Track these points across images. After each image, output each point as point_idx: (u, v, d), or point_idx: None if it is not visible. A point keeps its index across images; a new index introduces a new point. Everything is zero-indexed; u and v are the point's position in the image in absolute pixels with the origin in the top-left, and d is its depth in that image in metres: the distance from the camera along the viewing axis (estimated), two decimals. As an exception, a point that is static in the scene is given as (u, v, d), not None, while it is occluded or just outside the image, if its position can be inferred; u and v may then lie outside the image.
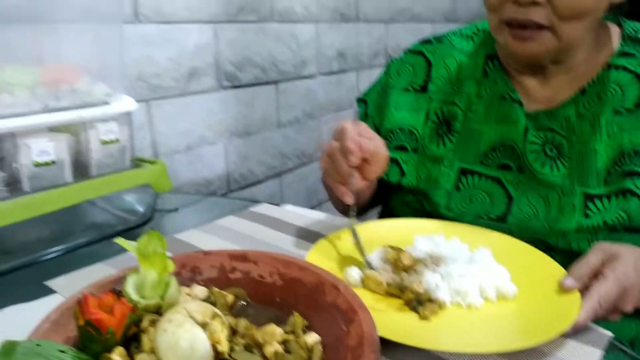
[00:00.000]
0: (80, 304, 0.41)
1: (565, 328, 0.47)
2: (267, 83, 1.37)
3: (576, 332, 0.49)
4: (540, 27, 0.66)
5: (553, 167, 0.72)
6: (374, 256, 0.60)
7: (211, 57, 1.19)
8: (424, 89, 0.83)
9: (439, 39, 0.86)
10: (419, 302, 0.52)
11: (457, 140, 0.79)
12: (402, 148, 0.82)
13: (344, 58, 1.66)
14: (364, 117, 0.89)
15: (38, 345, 0.38)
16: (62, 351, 0.38)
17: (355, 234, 0.62)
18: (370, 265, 0.58)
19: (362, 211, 0.91)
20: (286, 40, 1.41)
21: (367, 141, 0.62)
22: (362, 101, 0.91)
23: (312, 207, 1.66)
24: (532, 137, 0.73)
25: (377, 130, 0.84)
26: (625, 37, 0.74)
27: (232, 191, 1.34)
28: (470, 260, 0.58)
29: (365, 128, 0.65)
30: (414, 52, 0.87)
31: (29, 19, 0.71)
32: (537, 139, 0.73)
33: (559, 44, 0.68)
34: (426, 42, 0.87)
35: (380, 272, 0.56)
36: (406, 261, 0.56)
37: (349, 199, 0.61)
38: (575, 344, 0.48)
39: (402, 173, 0.82)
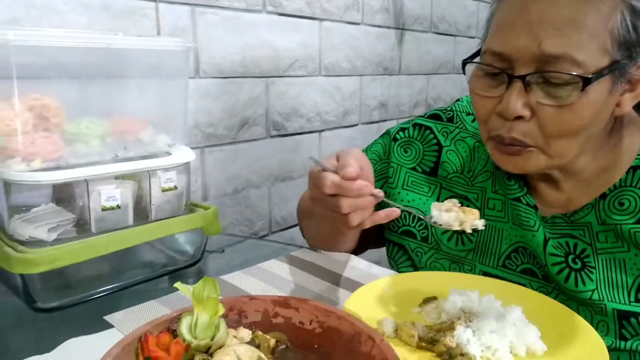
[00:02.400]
0: (141, 342, 0.46)
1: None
2: (311, 132, 1.44)
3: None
4: (527, 146, 0.62)
5: (579, 282, 0.65)
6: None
7: (262, 109, 1.27)
8: (433, 172, 0.78)
9: (450, 117, 0.81)
10: (450, 356, 0.54)
11: (477, 240, 0.74)
12: (409, 234, 0.79)
13: (385, 108, 1.73)
14: None
15: (102, 376, 0.43)
16: (123, 383, 0.43)
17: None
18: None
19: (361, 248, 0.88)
20: (331, 92, 1.48)
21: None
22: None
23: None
24: (552, 248, 0.68)
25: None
26: None
27: (274, 232, 1.40)
28: (502, 317, 0.60)
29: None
30: (422, 126, 0.82)
31: (102, 76, 0.79)
32: (558, 251, 0.67)
33: (550, 161, 0.63)
34: (435, 117, 0.82)
35: (413, 326, 0.59)
36: (449, 343, 0.56)
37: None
38: (604, 407, 0.49)
39: (413, 264, 0.78)
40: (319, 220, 0.80)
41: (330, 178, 0.60)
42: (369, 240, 0.87)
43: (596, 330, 0.60)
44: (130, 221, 0.73)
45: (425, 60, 1.89)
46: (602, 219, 0.66)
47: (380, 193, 0.61)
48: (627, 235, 0.64)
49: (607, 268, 0.65)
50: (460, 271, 0.76)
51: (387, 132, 0.86)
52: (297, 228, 1.47)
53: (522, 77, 0.58)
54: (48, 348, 0.57)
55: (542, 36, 0.56)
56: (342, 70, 1.51)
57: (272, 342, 0.52)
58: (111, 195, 0.69)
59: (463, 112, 0.80)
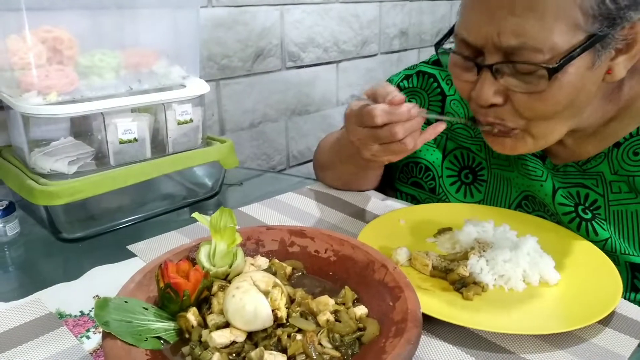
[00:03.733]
0: (161, 269, 0.47)
1: (604, 316, 0.49)
2: (328, 63, 1.41)
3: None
4: (509, 129, 0.59)
5: (590, 231, 0.64)
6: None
7: (277, 39, 1.24)
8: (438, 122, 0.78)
9: None
10: (463, 284, 0.55)
11: (487, 190, 0.74)
12: (417, 185, 0.79)
13: (405, 37, 1.66)
14: None
15: (126, 302, 0.44)
16: (145, 308, 0.45)
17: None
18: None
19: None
20: (349, 20, 1.43)
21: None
22: None
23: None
24: (562, 198, 0.66)
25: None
26: None
27: (292, 167, 1.40)
28: (516, 247, 0.60)
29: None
30: (425, 73, 0.80)
31: (113, 6, 0.77)
32: (568, 200, 0.66)
33: (536, 142, 0.60)
34: (437, 63, 0.80)
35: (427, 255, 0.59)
36: (462, 272, 0.56)
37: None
38: (612, 332, 0.50)
39: None
40: (351, 164, 0.78)
41: (380, 107, 0.58)
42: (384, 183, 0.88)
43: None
44: (148, 154, 0.74)
45: (448, -15, 1.79)
46: (615, 168, 0.63)
47: (424, 111, 0.60)
48: None
49: (619, 220, 0.63)
50: None
51: (390, 81, 0.83)
52: (315, 162, 1.48)
53: (490, 67, 0.54)
54: (75, 276, 0.60)
55: (501, 25, 0.52)
56: (360, -3, 1.44)
57: (289, 269, 0.53)
58: (128, 128, 0.70)
59: None
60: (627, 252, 0.62)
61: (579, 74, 0.53)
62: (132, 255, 0.66)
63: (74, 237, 0.69)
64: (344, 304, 0.47)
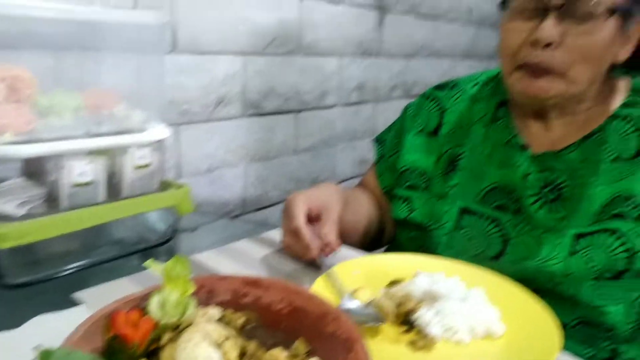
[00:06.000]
0: (110, 319, 0.46)
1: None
2: (288, 112, 1.44)
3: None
4: (550, 71, 0.72)
5: (551, 210, 0.76)
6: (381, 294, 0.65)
7: (239, 87, 1.26)
8: (436, 132, 0.89)
9: (452, 85, 0.92)
10: (410, 324, 0.57)
11: (460, 179, 0.84)
12: (413, 187, 0.88)
13: (363, 90, 1.73)
14: (380, 156, 0.95)
15: (69, 354, 0.43)
16: (91, 360, 0.44)
17: (333, 278, 0.67)
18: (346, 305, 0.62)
19: (374, 245, 0.96)
20: (310, 72, 1.48)
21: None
22: (379, 141, 0.97)
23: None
24: (532, 180, 0.78)
25: (392, 168, 0.89)
26: (634, 89, 0.79)
27: (248, 212, 1.40)
28: (464, 299, 0.62)
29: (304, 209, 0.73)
30: (428, 97, 0.92)
31: (77, 47, 0.78)
32: (537, 182, 0.77)
33: (566, 88, 0.73)
34: (440, 88, 0.93)
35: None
36: (411, 305, 0.60)
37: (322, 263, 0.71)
38: (555, 386, 0.52)
39: (412, 210, 0.87)
40: None
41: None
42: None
43: (554, 249, 0.73)
44: (102, 198, 0.72)
45: (405, 43, 1.89)
46: (585, 155, 0.76)
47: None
48: (603, 171, 0.74)
49: (579, 198, 0.74)
50: (442, 205, 0.84)
51: (405, 107, 0.96)
52: (271, 209, 1.48)
53: (557, 8, 0.69)
54: (16, 324, 0.57)
55: None
56: (322, 50, 1.50)
57: (242, 320, 0.53)
58: (83, 171, 0.69)
59: (465, 82, 0.92)
60: (576, 225, 0.73)
61: (612, 33, 0.70)
62: (78, 303, 0.63)
63: (17, 283, 0.66)
64: (296, 357, 0.47)
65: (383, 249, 0.99)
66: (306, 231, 0.71)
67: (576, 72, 0.72)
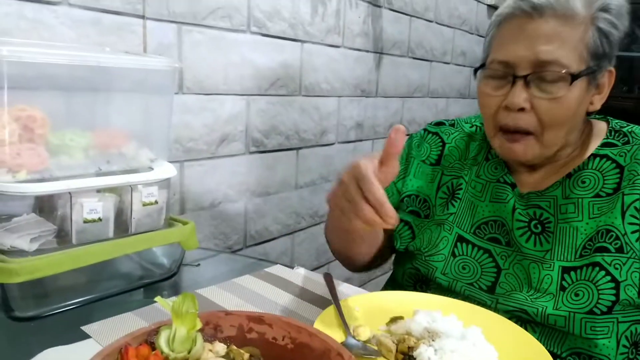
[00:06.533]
0: (121, 353, 0.48)
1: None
2: (289, 149, 1.48)
3: None
4: (526, 132, 0.77)
5: (537, 243, 0.80)
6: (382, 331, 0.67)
7: (242, 125, 1.30)
8: (438, 162, 0.94)
9: (452, 124, 0.98)
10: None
11: (458, 207, 0.88)
12: (415, 213, 0.92)
13: (361, 129, 1.78)
14: None
15: (83, 385, 0.44)
16: (102, 393, 0.45)
17: (340, 314, 0.68)
18: (351, 344, 0.63)
19: (374, 264, 0.97)
20: (310, 112, 1.52)
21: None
22: None
23: (321, 265, 1.72)
24: (519, 215, 0.82)
25: (398, 193, 0.94)
26: (611, 130, 0.84)
27: (249, 246, 1.42)
28: (463, 337, 0.64)
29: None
30: (430, 132, 0.99)
31: (88, 88, 0.81)
32: (524, 217, 0.82)
33: (542, 150, 0.78)
34: (440, 124, 0.99)
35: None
36: (411, 342, 0.62)
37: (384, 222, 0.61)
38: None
39: (413, 236, 0.91)
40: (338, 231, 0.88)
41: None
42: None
43: (542, 282, 0.77)
44: (111, 234, 0.75)
45: (401, 84, 1.95)
46: (567, 193, 0.81)
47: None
48: (585, 207, 0.78)
49: (563, 233, 0.79)
50: (440, 231, 0.87)
51: (409, 137, 1.01)
52: (271, 243, 1.51)
53: (524, 77, 0.75)
54: (24, 357, 0.58)
55: (537, 47, 0.74)
56: (321, 91, 1.55)
57: (246, 356, 0.54)
58: (93, 208, 0.71)
59: (462, 122, 0.98)
60: (562, 259, 0.77)
61: (581, 92, 0.75)
62: (86, 336, 0.65)
63: (26, 316, 0.68)
64: (300, 392, 0.48)
65: (379, 285, 1.01)
66: (377, 183, 0.61)
67: (550, 136, 0.77)
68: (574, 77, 0.73)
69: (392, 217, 0.60)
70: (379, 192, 0.59)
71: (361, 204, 0.60)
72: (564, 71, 0.73)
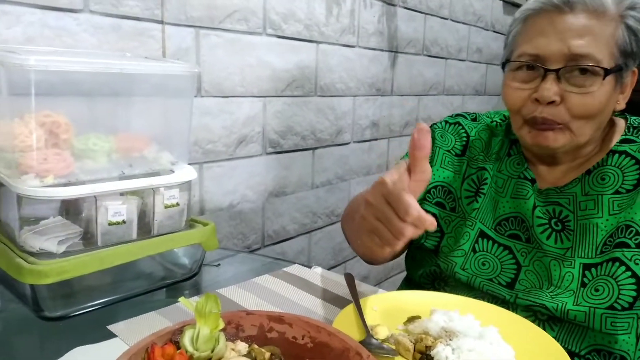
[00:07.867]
0: (147, 352, 0.50)
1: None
2: (305, 149, 1.49)
3: None
4: (555, 124, 0.77)
5: (557, 240, 0.80)
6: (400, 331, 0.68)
7: (259, 127, 1.32)
8: (463, 153, 0.93)
9: (473, 117, 0.97)
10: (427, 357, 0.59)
11: (482, 203, 0.88)
12: (440, 205, 0.92)
13: (376, 127, 1.78)
14: None
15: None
16: (130, 390, 0.47)
17: (360, 313, 0.69)
18: (370, 343, 0.64)
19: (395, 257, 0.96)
20: (325, 112, 1.53)
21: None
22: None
23: (338, 264, 1.73)
24: (540, 212, 0.82)
25: None
26: (629, 127, 0.84)
27: (266, 246, 1.44)
28: (480, 337, 0.65)
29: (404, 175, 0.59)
30: (451, 123, 0.97)
31: (110, 94, 0.83)
32: (544, 215, 0.82)
33: (572, 139, 0.78)
34: (461, 115, 0.98)
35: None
36: (428, 342, 0.63)
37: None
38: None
39: (441, 230, 0.90)
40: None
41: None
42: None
43: (563, 279, 0.77)
44: (134, 235, 0.77)
45: (416, 82, 1.95)
46: (586, 190, 0.81)
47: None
48: (605, 204, 0.78)
49: (583, 230, 0.79)
50: (463, 227, 0.87)
51: (431, 127, 0.99)
52: (289, 242, 1.52)
53: (556, 70, 0.75)
54: (54, 356, 0.61)
55: (570, 40, 0.74)
56: (337, 91, 1.56)
57: (267, 355, 0.56)
58: (117, 210, 0.74)
59: (483, 116, 0.97)
60: (583, 256, 0.78)
61: (611, 88, 0.75)
62: (111, 335, 0.67)
63: (55, 316, 0.71)
64: (320, 390, 0.50)
65: (395, 284, 1.02)
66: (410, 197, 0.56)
67: (580, 127, 0.77)
68: (607, 72, 0.73)
69: (432, 224, 0.56)
70: (413, 208, 0.55)
71: (398, 224, 0.56)
72: (597, 66, 0.73)
